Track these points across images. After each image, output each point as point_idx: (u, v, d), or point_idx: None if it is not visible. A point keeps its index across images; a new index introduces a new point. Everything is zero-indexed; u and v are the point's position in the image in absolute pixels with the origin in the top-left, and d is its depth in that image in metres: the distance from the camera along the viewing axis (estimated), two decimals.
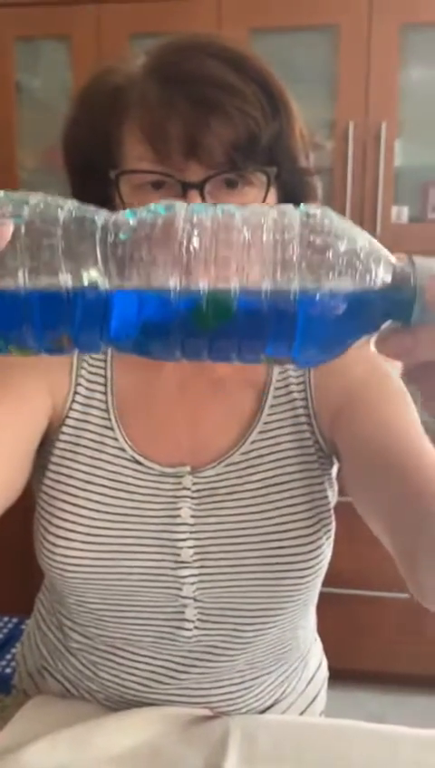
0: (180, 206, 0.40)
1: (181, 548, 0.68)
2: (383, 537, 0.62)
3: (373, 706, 1.95)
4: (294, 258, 0.38)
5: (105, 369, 0.73)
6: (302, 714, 0.80)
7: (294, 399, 0.72)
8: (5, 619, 1.93)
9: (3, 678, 1.68)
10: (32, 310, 0.38)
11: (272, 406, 0.71)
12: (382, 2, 1.88)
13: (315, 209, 0.41)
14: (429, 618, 1.97)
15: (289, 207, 0.41)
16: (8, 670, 1.71)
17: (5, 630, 1.88)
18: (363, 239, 0.40)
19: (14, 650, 1.79)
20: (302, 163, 0.64)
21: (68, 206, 0.39)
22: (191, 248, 0.38)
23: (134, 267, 0.38)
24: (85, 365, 0.73)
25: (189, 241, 0.38)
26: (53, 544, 0.68)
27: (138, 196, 0.60)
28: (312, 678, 0.83)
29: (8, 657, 1.76)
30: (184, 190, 0.58)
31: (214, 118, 0.57)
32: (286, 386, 0.72)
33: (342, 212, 2.25)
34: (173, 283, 0.38)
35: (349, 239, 0.40)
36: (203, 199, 0.58)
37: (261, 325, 0.39)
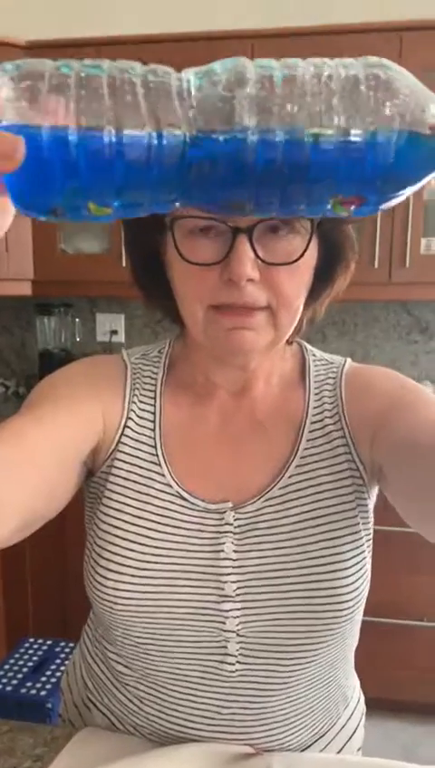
0: (245, 60, 0.41)
1: (225, 582, 0.70)
2: None
3: (406, 737, 1.94)
4: (364, 99, 0.40)
5: (154, 405, 0.76)
6: (341, 750, 0.81)
7: (330, 432, 0.74)
8: (40, 641, 1.96)
9: (39, 702, 1.70)
10: (116, 160, 0.38)
11: (308, 440, 0.74)
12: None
13: (375, 60, 0.42)
14: None
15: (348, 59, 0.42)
16: (43, 693, 1.73)
17: (40, 653, 1.91)
18: (418, 84, 0.42)
19: (48, 672, 1.81)
20: None
21: (140, 66, 0.41)
22: (264, 93, 0.40)
23: (212, 115, 0.39)
24: (136, 400, 0.76)
25: (262, 87, 0.40)
26: (104, 577, 0.70)
27: (188, 240, 0.63)
28: (351, 714, 0.84)
29: (43, 679, 1.78)
30: (233, 235, 0.61)
31: None
32: (321, 420, 0.75)
33: (371, 244, 2.28)
34: (249, 125, 0.39)
35: (409, 84, 0.41)
36: (251, 244, 0.61)
37: (334, 163, 0.40)
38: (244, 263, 0.61)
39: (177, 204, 0.43)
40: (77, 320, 2.52)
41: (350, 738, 0.83)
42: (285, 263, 0.63)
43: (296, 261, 0.63)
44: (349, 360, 0.81)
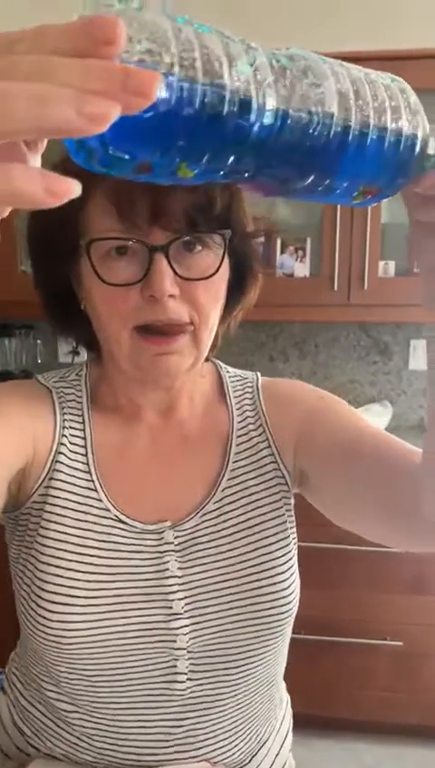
0: (313, 53, 0.44)
1: (172, 600, 0.70)
2: (373, 514, 0.69)
3: (369, 758, 1.94)
4: (403, 105, 0.45)
5: (84, 430, 0.75)
6: (278, 753, 0.82)
7: (256, 444, 0.78)
8: None
9: None
10: (225, 125, 0.38)
11: (236, 453, 0.77)
12: None
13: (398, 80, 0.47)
14: (424, 667, 1.97)
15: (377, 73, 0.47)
16: None
17: None
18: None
19: None
20: (248, 228, 0.71)
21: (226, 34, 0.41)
22: (340, 87, 0.43)
23: (305, 97, 0.42)
24: (66, 425, 0.74)
25: (337, 81, 0.43)
26: (50, 611, 0.68)
27: (106, 263, 0.64)
28: (284, 716, 0.86)
29: None
30: (150, 254, 0.63)
31: (175, 187, 0.62)
32: (247, 433, 0.78)
33: (330, 267, 2.31)
34: (334, 112, 0.42)
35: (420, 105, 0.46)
36: (168, 261, 0.63)
37: (381, 157, 0.44)
38: (164, 279, 0.62)
39: (245, 174, 0.44)
40: (39, 341, 2.50)
41: (284, 739, 0.84)
42: (203, 277, 0.65)
43: (213, 275, 0.66)
44: (259, 373, 0.85)
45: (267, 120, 0.41)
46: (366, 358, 2.44)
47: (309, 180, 0.46)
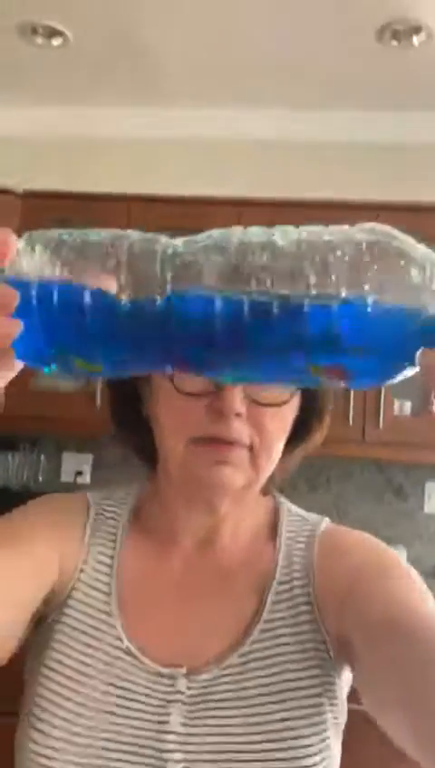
0: (235, 228, 0.42)
1: (167, 761, 0.61)
2: (404, 720, 0.55)
3: None
4: (337, 265, 0.39)
5: (114, 549, 0.71)
6: None
7: (297, 596, 0.68)
8: None
9: None
10: (94, 320, 0.41)
11: (274, 603, 0.68)
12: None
13: (372, 228, 0.41)
14: None
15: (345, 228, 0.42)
16: None
17: None
18: (426, 260, 0.40)
19: None
20: None
21: (135, 234, 0.43)
22: (238, 259, 0.40)
23: (184, 280, 0.41)
24: (96, 543, 0.71)
25: (239, 254, 0.40)
26: (34, 741, 0.62)
27: (185, 378, 0.62)
28: None
29: None
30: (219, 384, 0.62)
31: None
32: (289, 581, 0.69)
33: (345, 406, 2.29)
34: (217, 289, 0.40)
35: (409, 259, 0.40)
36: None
37: (302, 329, 0.39)
38: (235, 396, 0.62)
39: (168, 367, 0.45)
40: (42, 457, 2.45)
41: None
42: (273, 404, 0.64)
43: (283, 404, 0.64)
44: (326, 519, 0.76)
45: (144, 313, 0.41)
46: (380, 497, 2.37)
47: (230, 367, 0.44)
